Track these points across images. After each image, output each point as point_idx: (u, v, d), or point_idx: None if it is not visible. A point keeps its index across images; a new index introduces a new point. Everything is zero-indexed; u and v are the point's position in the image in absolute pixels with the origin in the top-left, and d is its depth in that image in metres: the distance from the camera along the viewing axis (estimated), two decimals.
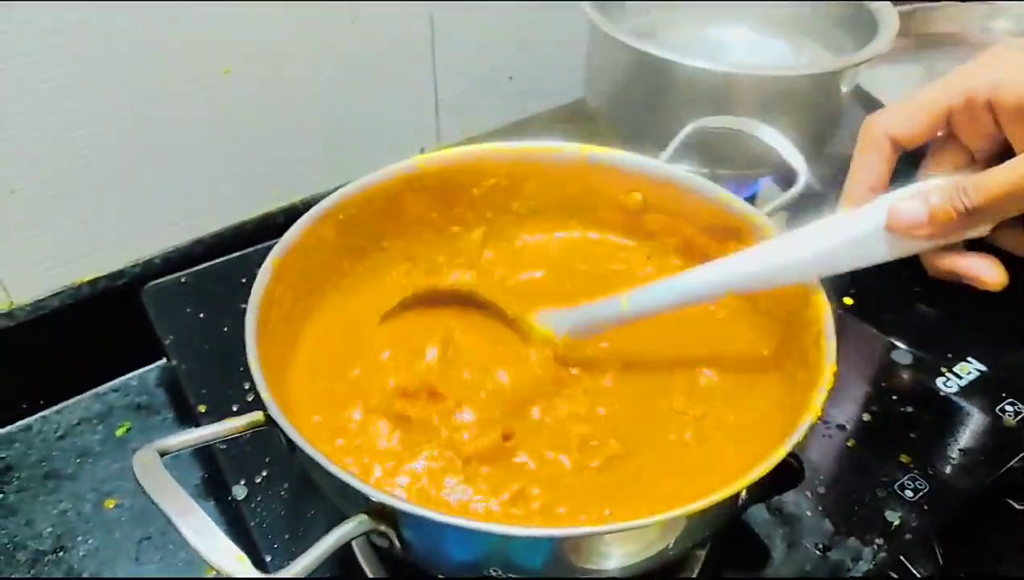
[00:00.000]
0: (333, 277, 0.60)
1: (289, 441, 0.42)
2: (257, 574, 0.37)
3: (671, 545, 0.43)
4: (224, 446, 0.62)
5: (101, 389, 0.74)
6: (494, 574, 0.43)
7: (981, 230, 0.47)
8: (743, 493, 0.42)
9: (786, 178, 0.63)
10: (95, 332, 0.75)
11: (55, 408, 0.72)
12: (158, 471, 0.39)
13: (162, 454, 0.41)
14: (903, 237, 0.48)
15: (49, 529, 0.63)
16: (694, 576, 0.55)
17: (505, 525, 0.39)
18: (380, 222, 0.62)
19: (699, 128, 0.65)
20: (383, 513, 0.40)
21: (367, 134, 0.88)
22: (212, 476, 0.64)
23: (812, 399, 0.44)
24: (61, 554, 0.61)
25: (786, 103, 0.77)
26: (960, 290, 0.50)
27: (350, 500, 0.41)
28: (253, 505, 0.59)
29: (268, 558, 0.56)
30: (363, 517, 0.40)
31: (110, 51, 0.68)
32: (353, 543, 0.57)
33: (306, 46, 0.79)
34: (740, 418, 0.53)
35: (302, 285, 0.57)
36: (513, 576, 0.43)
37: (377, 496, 0.39)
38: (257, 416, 0.44)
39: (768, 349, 0.57)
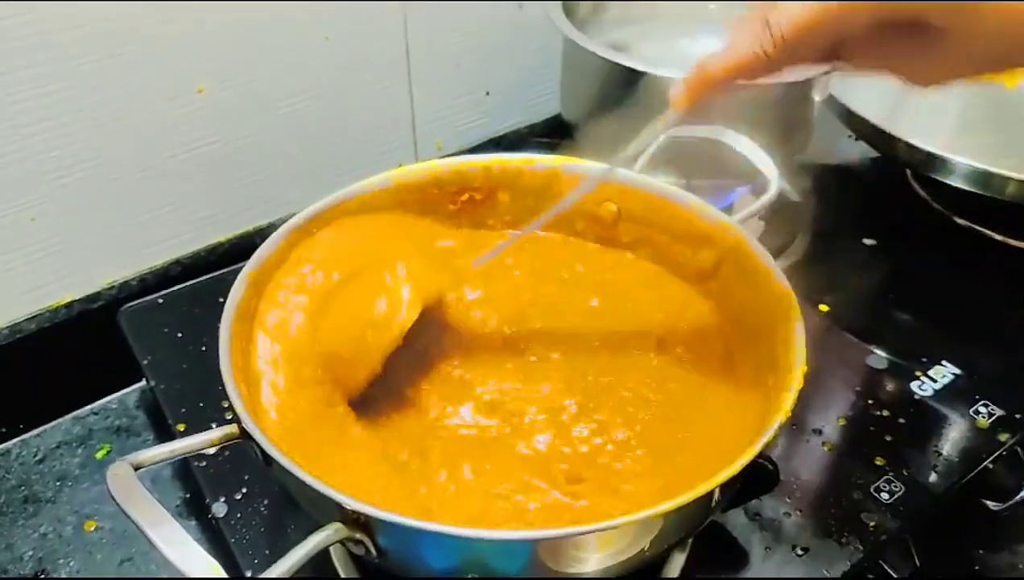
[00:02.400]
0: None
1: (263, 452, 0.42)
2: None
3: (647, 546, 0.44)
4: (203, 463, 0.62)
5: (80, 412, 0.73)
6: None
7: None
8: (716, 493, 0.42)
9: (761, 187, 0.63)
10: (73, 355, 0.75)
11: (34, 432, 0.72)
12: (131, 483, 0.39)
13: (136, 467, 0.41)
14: None
15: (30, 553, 0.62)
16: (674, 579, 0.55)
17: (478, 530, 0.39)
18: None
19: (671, 138, 0.65)
20: (358, 521, 0.40)
21: (344, 152, 0.88)
22: (193, 495, 0.64)
23: (782, 401, 0.45)
24: (42, 577, 0.61)
25: (758, 112, 0.77)
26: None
27: (324, 509, 0.41)
28: (233, 522, 0.59)
29: (248, 573, 0.56)
30: (338, 525, 0.40)
31: (83, 71, 0.68)
32: (331, 550, 0.57)
33: (281, 64, 0.79)
34: (714, 424, 0.53)
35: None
36: None
37: (351, 504, 0.39)
38: (232, 429, 0.44)
39: (740, 354, 0.57)
